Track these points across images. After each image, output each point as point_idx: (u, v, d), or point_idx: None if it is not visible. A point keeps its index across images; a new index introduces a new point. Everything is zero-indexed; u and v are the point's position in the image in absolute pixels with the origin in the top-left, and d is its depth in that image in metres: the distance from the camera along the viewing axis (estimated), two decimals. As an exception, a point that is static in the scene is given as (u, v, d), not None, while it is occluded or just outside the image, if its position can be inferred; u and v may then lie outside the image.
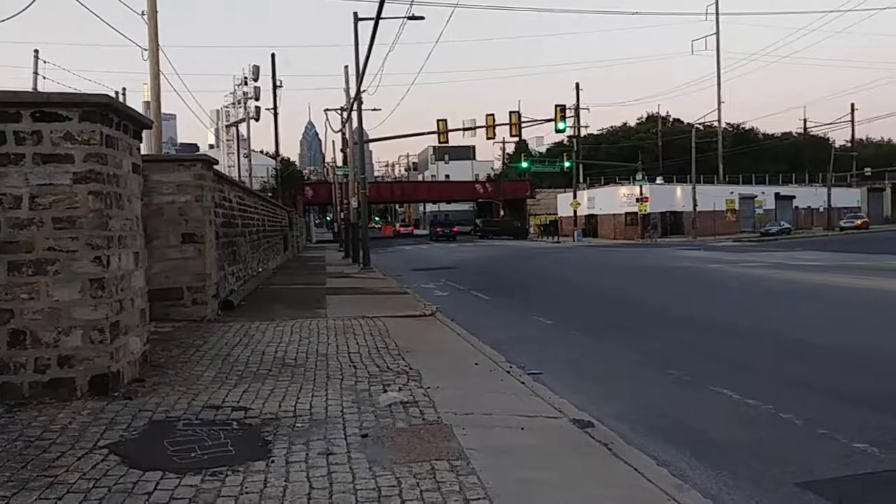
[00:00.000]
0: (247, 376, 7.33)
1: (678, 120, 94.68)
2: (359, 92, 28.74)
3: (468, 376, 7.90)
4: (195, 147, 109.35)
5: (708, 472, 5.42)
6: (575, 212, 66.35)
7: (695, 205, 62.17)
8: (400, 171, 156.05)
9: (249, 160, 52.83)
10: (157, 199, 11.27)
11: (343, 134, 45.73)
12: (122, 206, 6.89)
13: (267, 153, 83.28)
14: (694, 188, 63.25)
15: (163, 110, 20.95)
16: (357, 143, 32.07)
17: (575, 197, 66.72)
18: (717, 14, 76.57)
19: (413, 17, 24.47)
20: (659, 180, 68.95)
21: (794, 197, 77.20)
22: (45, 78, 39.00)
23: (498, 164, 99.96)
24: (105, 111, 6.46)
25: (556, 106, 36.99)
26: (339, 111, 46.81)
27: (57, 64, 77.55)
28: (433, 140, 43.91)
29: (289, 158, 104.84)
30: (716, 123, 76.89)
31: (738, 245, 49.28)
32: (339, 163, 55.15)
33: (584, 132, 75.60)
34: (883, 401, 7.36)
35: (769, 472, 5.41)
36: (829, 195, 72.48)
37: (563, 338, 11.85)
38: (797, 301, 16.62)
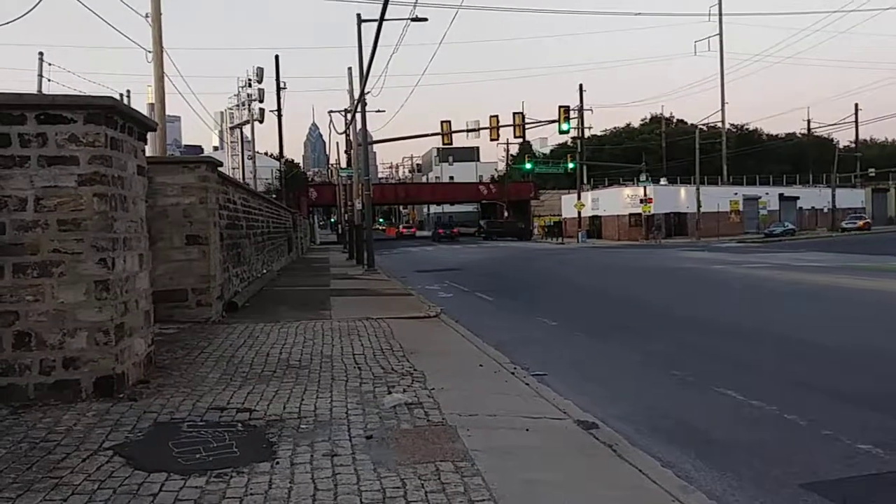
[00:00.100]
0: (251, 378, 7.34)
1: (682, 121, 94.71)
2: (363, 93, 28.75)
3: (473, 378, 7.90)
4: (199, 149, 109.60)
5: (712, 473, 5.42)
6: (579, 213, 66.31)
7: (699, 206, 62.11)
8: (404, 172, 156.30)
9: (254, 162, 52.92)
10: (162, 201, 11.29)
11: (347, 135, 45.76)
12: (127, 207, 6.91)
13: (271, 155, 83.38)
14: (698, 189, 63.17)
15: (167, 112, 20.97)
16: (361, 144, 32.11)
17: (579, 198, 66.71)
18: (720, 14, 76.53)
19: (416, 19, 24.46)
20: (663, 181, 68.95)
21: (798, 198, 77.09)
22: (49, 80, 39.15)
23: (502, 166, 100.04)
24: (110, 113, 6.47)
25: (560, 107, 36.96)
26: (342, 113, 46.81)
27: (61, 66, 77.77)
28: (437, 141, 43.89)
29: (293, 160, 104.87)
30: (719, 124, 76.81)
31: (742, 246, 49.23)
32: (343, 164, 55.21)
33: (587, 133, 75.54)
34: (887, 402, 7.35)
35: (773, 472, 5.41)
36: (833, 196, 72.37)
37: (567, 339, 11.85)
38: (801, 302, 16.60)
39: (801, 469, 5.45)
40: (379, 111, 69.89)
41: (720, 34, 76.40)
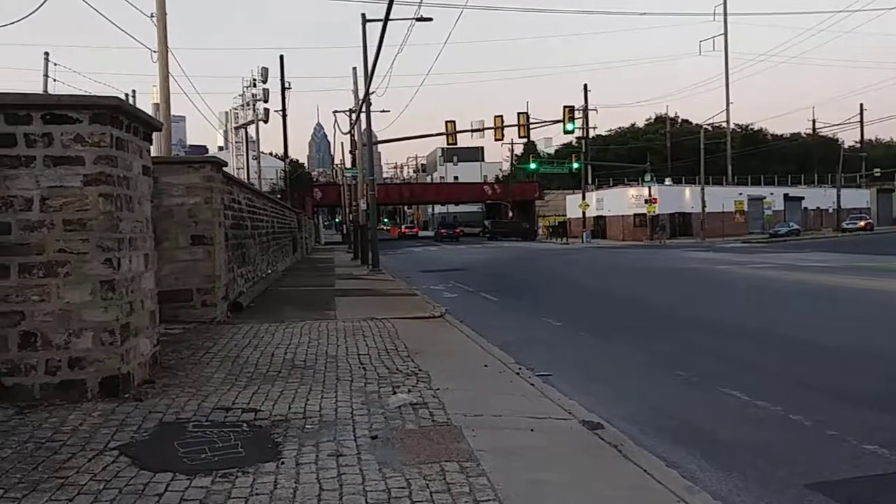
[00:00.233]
0: (256, 378, 7.35)
1: (686, 121, 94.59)
2: (367, 93, 28.77)
3: (477, 378, 7.90)
4: (204, 149, 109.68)
5: (718, 473, 5.41)
6: (583, 213, 66.26)
7: (703, 206, 62.02)
8: (409, 172, 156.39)
9: (258, 162, 53.01)
10: (167, 201, 11.31)
11: (352, 135, 45.76)
12: (133, 208, 6.92)
13: (276, 155, 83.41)
14: (703, 189, 63.08)
15: (172, 112, 21.00)
16: (366, 144, 32.12)
17: (584, 198, 66.66)
18: (725, 14, 76.52)
19: (421, 19, 24.49)
20: (667, 181, 68.90)
21: (803, 198, 76.97)
22: (55, 80, 39.24)
23: (506, 166, 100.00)
24: (115, 113, 6.48)
25: (565, 107, 36.99)
26: (347, 113, 46.82)
27: (67, 66, 77.98)
28: (442, 141, 43.97)
29: (297, 160, 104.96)
30: (724, 124, 76.75)
31: (747, 246, 49.16)
32: (348, 164, 55.21)
33: (592, 133, 75.58)
34: (893, 403, 7.34)
35: (778, 473, 5.40)
36: (838, 196, 72.22)
37: (571, 339, 11.85)
38: (806, 302, 16.58)
39: (807, 469, 5.44)
40: (383, 111, 70.24)
41: (725, 34, 76.47)
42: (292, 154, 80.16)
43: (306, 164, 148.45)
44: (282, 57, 50.78)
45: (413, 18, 23.67)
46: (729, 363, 9.64)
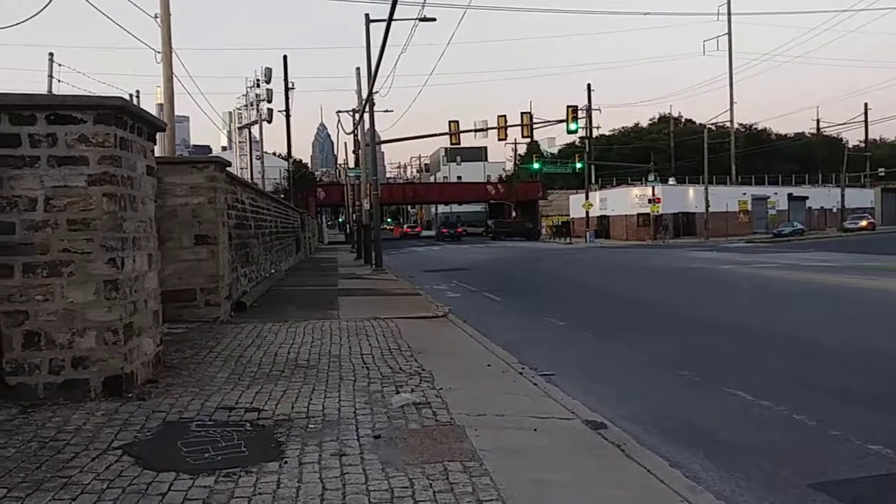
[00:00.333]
0: (259, 377, 7.36)
1: (690, 120, 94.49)
2: (371, 93, 28.78)
3: (480, 377, 7.90)
4: (208, 149, 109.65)
5: (721, 473, 5.41)
6: (587, 213, 66.24)
7: (707, 206, 61.96)
8: (412, 172, 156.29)
9: (262, 162, 53.00)
10: (171, 201, 11.32)
11: (355, 135, 45.79)
12: (137, 207, 6.93)
13: (279, 155, 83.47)
14: (706, 189, 63.03)
15: (176, 112, 21.02)
16: (369, 144, 32.12)
17: (587, 198, 66.63)
18: (729, 14, 76.21)
19: (425, 19, 24.50)
20: (671, 181, 68.80)
21: (807, 197, 76.80)
22: (59, 81, 39.34)
23: (510, 166, 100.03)
24: (119, 114, 6.49)
25: (568, 107, 36.99)
26: (351, 113, 46.88)
27: (71, 67, 78.13)
28: (445, 141, 43.94)
29: (301, 160, 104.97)
30: (728, 124, 76.54)
31: (751, 246, 49.08)
32: (352, 164, 55.24)
33: (595, 133, 75.49)
34: (897, 402, 7.33)
35: (782, 473, 5.40)
36: (842, 196, 72.16)
37: (574, 339, 11.84)
38: (809, 302, 16.55)
39: (810, 469, 5.44)
40: (387, 111, 70.25)
41: (729, 33, 76.10)
42: (296, 154, 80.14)
43: (310, 164, 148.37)
44: (285, 57, 50.61)
45: (416, 19, 23.67)
46: (732, 363, 9.63)
